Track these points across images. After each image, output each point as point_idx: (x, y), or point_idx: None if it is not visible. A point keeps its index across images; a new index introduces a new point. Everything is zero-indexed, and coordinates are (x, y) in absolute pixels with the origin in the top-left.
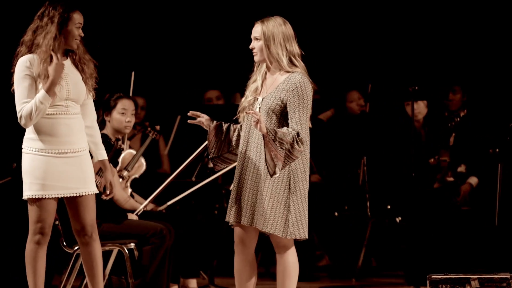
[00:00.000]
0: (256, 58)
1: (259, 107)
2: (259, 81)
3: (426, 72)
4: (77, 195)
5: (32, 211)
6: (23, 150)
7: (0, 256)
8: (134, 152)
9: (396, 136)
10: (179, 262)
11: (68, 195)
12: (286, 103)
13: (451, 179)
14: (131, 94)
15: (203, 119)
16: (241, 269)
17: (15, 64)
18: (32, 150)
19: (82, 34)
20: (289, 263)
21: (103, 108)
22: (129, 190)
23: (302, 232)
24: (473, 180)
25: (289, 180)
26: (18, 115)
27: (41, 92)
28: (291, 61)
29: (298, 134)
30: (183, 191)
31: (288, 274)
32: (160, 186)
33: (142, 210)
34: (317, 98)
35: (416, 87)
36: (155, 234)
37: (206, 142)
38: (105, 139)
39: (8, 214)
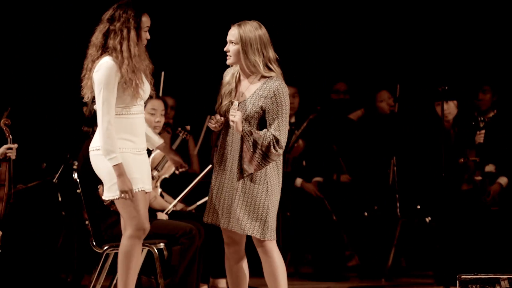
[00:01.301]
0: (228, 61)
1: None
2: (233, 84)
3: (456, 72)
4: (149, 191)
5: (127, 207)
6: (98, 152)
7: (31, 257)
8: None
9: (425, 136)
10: (208, 262)
11: (147, 191)
12: (265, 110)
13: (479, 178)
14: (160, 94)
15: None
16: (232, 267)
17: (88, 65)
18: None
19: (149, 37)
20: (276, 262)
21: None
22: (159, 190)
23: (274, 233)
24: (503, 180)
25: (267, 182)
26: (101, 123)
27: (116, 160)
28: (267, 66)
29: (276, 139)
30: None
31: (278, 273)
32: (189, 186)
33: (172, 209)
34: (347, 98)
35: (446, 87)
36: (185, 234)
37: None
38: None
39: (38, 215)
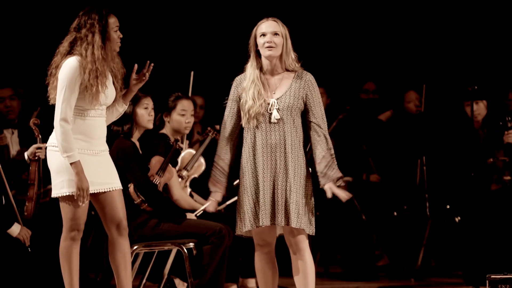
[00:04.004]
0: (273, 52)
1: (277, 108)
2: (259, 84)
3: (485, 72)
4: (111, 189)
5: (67, 208)
6: (52, 148)
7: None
8: (193, 151)
9: (454, 136)
10: (238, 262)
11: (103, 191)
12: (306, 100)
13: (508, 178)
14: (190, 94)
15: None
16: (263, 268)
17: (53, 72)
18: None
19: (121, 35)
20: (308, 262)
21: (162, 108)
22: (188, 189)
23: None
24: None
25: (311, 178)
26: (59, 121)
27: (73, 157)
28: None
29: (326, 138)
30: None
31: (309, 272)
32: None
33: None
34: (376, 97)
35: (476, 87)
36: (215, 234)
37: None
38: (164, 139)
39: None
